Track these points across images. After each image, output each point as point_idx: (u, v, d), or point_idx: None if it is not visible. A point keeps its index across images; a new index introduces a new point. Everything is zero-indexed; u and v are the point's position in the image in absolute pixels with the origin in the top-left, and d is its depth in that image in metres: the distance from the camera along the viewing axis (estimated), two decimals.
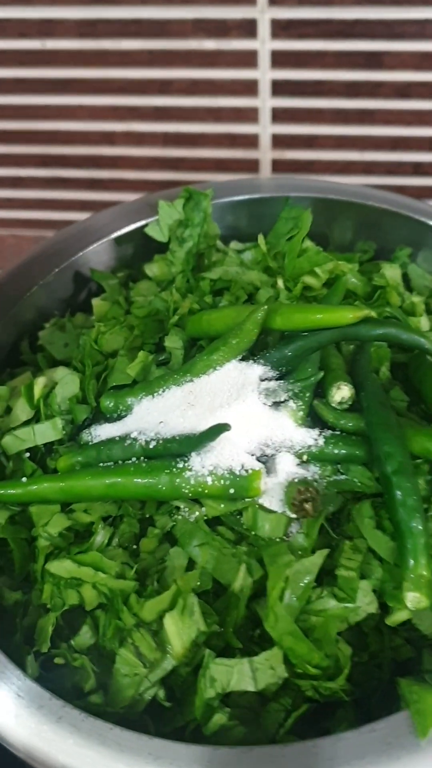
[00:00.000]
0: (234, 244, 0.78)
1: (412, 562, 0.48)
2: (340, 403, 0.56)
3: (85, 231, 0.76)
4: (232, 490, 0.52)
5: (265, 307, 0.53)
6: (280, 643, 0.47)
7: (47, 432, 0.59)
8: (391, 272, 0.65)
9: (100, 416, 0.61)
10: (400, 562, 0.49)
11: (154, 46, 1.05)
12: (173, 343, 0.62)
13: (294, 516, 0.52)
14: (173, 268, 0.73)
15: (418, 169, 1.13)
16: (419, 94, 1.07)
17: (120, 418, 0.59)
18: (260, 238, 0.67)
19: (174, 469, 0.53)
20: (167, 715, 0.48)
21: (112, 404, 0.59)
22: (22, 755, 0.44)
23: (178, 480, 0.52)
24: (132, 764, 0.42)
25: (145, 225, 0.75)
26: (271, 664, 0.46)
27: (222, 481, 0.52)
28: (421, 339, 0.54)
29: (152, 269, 0.74)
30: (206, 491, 0.52)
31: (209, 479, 0.52)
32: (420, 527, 0.48)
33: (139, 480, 0.53)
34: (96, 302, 0.71)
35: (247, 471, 0.52)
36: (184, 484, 0.52)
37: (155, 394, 0.58)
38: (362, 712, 0.49)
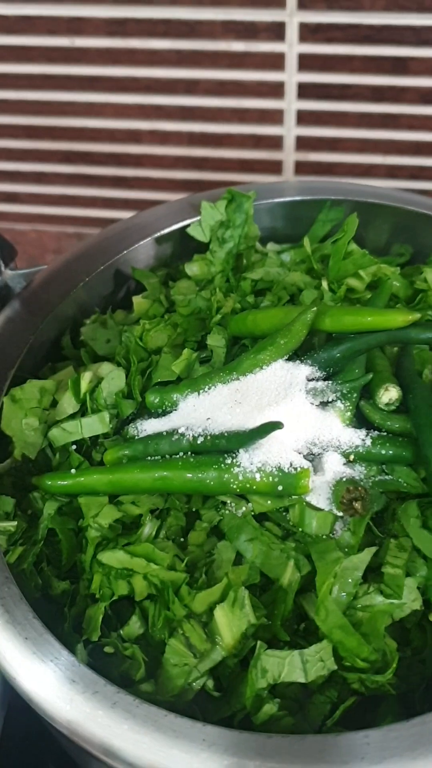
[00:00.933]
0: (271, 245, 0.79)
1: None
2: (387, 404, 0.57)
3: (130, 230, 0.77)
4: (280, 487, 0.53)
5: (315, 308, 0.54)
6: (330, 636, 0.48)
7: (95, 425, 0.59)
8: None
9: (144, 411, 0.62)
10: None
11: (183, 46, 1.06)
12: (216, 341, 0.63)
13: (341, 514, 0.53)
14: (213, 268, 0.74)
15: None
16: None
17: (165, 413, 0.60)
18: (305, 241, 0.68)
19: (222, 465, 0.54)
20: (215, 704, 0.49)
21: (157, 400, 0.60)
22: (78, 740, 0.44)
23: (226, 476, 0.53)
24: (187, 750, 0.42)
25: (187, 225, 0.76)
26: (321, 657, 0.47)
27: (270, 478, 0.53)
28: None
29: (192, 269, 0.74)
30: (254, 487, 0.53)
31: (257, 476, 0.53)
32: None
33: (188, 474, 0.54)
34: (137, 300, 0.71)
35: (295, 469, 0.53)
36: (232, 480, 0.53)
37: (201, 392, 0.59)
38: (405, 707, 0.50)
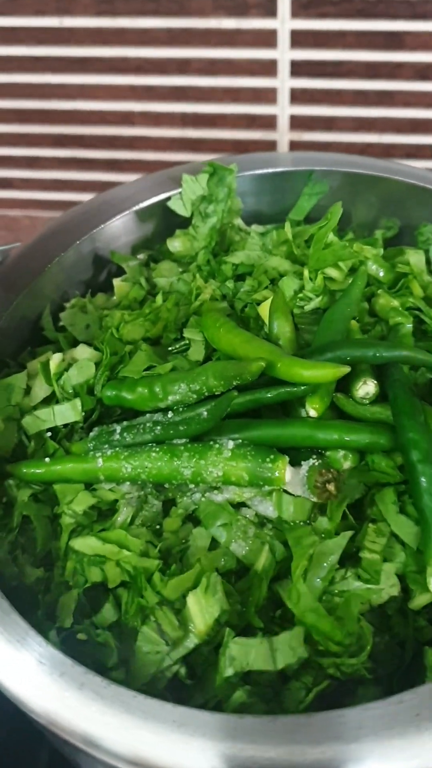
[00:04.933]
0: (255, 227, 0.77)
1: None
2: (363, 398, 0.56)
3: (108, 203, 0.75)
4: (257, 479, 0.52)
5: (262, 363, 0.52)
6: (303, 620, 0.48)
7: (67, 413, 0.59)
8: (415, 258, 0.64)
9: None
10: (423, 548, 0.49)
11: (173, 25, 1.04)
12: (193, 334, 0.62)
13: (316, 500, 0.52)
14: (196, 244, 0.72)
15: None
16: None
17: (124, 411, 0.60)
18: (287, 226, 0.67)
19: (198, 455, 0.53)
20: (188, 692, 0.49)
21: (113, 394, 0.59)
22: (44, 722, 0.44)
23: (202, 464, 0.53)
24: (156, 732, 0.42)
25: (168, 199, 0.75)
26: (291, 644, 0.47)
27: (246, 470, 0.52)
28: (429, 358, 0.56)
29: (174, 244, 0.73)
30: (232, 479, 0.52)
31: (233, 466, 0.52)
32: None
33: (162, 464, 0.53)
34: (117, 283, 0.70)
35: (272, 460, 0.52)
36: (207, 470, 0.53)
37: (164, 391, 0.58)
38: (384, 692, 0.49)
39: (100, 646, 0.50)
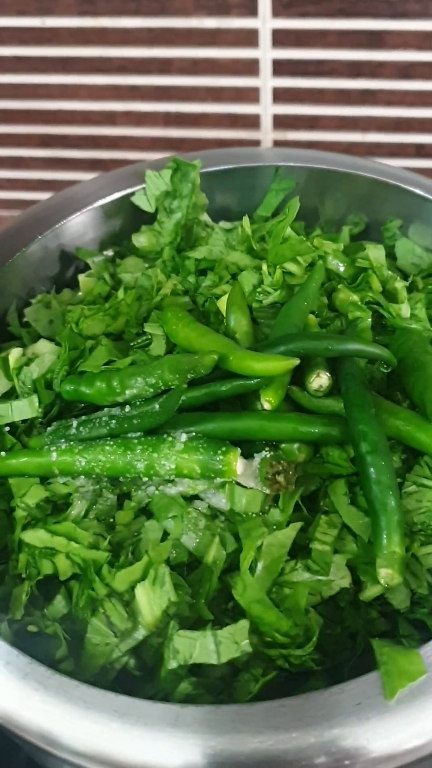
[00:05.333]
0: (223, 224, 0.77)
1: (385, 539, 0.48)
2: (317, 390, 0.55)
3: (69, 200, 0.75)
4: (208, 471, 0.52)
5: (215, 357, 0.53)
6: (249, 611, 0.48)
7: (24, 409, 0.59)
8: (375, 254, 0.64)
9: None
10: (373, 539, 0.49)
11: (155, 24, 1.05)
12: (154, 329, 0.62)
13: (268, 491, 0.52)
14: (161, 239, 0.72)
15: (420, 150, 1.12)
16: (421, 74, 1.05)
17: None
18: (245, 221, 0.67)
19: (151, 448, 0.53)
20: (137, 684, 0.49)
21: (71, 389, 0.59)
22: None
23: (155, 458, 0.53)
24: (97, 721, 0.42)
25: (132, 194, 0.75)
26: (235, 638, 0.46)
27: (198, 463, 0.52)
28: (379, 351, 0.56)
29: (140, 240, 0.73)
30: (184, 471, 0.52)
31: (186, 459, 0.52)
32: (393, 505, 0.48)
33: (116, 457, 0.53)
34: (82, 278, 0.71)
35: (223, 452, 0.52)
36: (162, 463, 0.53)
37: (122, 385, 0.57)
38: (334, 683, 0.49)
39: (49, 638, 0.50)
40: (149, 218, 0.75)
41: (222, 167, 0.77)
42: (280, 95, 1.09)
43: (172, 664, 0.46)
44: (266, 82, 1.08)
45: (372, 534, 0.49)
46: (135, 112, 1.13)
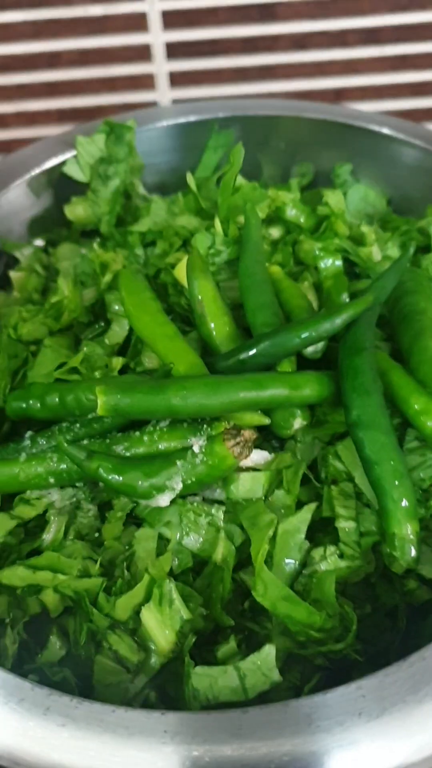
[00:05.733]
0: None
1: (395, 526, 0.44)
2: (313, 353, 0.51)
3: None
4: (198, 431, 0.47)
5: (170, 367, 0.48)
6: (275, 611, 0.42)
7: None
8: (334, 199, 0.60)
9: None
10: (384, 526, 0.45)
11: (38, 17, 0.98)
12: (114, 316, 0.55)
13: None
14: (97, 209, 0.66)
15: None
16: (317, 43, 1.04)
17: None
18: (188, 176, 0.61)
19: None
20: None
21: (23, 406, 0.51)
22: (5, 762, 0.36)
23: (136, 437, 0.47)
24: (146, 748, 0.35)
25: (63, 164, 0.68)
26: (262, 670, 0.40)
27: (186, 431, 0.47)
28: (345, 315, 0.49)
29: (74, 211, 0.66)
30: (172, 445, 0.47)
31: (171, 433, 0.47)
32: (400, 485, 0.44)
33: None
34: (14, 275, 0.63)
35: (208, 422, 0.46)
36: (144, 438, 0.47)
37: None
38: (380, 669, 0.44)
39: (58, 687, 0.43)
40: (80, 192, 0.68)
41: (153, 125, 0.71)
42: (177, 79, 1.05)
43: (196, 706, 0.39)
44: (161, 66, 1.04)
45: (383, 519, 0.45)
46: (26, 112, 1.06)
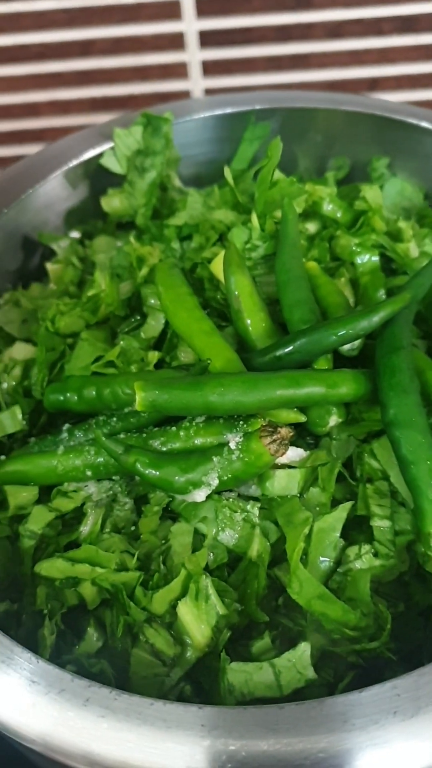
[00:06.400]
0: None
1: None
2: (350, 350, 0.51)
3: (33, 167, 0.67)
4: (235, 428, 0.47)
5: (208, 363, 0.48)
6: (310, 609, 0.42)
7: (6, 422, 0.52)
8: (372, 194, 0.59)
9: None
10: (419, 525, 0.44)
11: (71, 4, 0.98)
12: (150, 310, 0.55)
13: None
14: (134, 201, 0.66)
15: None
16: (352, 32, 1.02)
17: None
18: (226, 170, 0.61)
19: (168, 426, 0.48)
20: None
21: (62, 398, 0.52)
22: (43, 750, 0.37)
23: (173, 432, 0.48)
24: (184, 741, 0.35)
25: (100, 155, 0.68)
26: (297, 667, 0.41)
27: (223, 427, 0.47)
28: (382, 313, 0.49)
29: (111, 203, 0.66)
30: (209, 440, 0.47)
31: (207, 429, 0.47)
32: None
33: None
34: (51, 267, 0.63)
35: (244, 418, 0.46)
36: (180, 434, 0.47)
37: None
38: (413, 669, 0.44)
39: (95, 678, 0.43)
40: (117, 184, 0.68)
41: (191, 117, 0.71)
42: (210, 68, 1.04)
43: (231, 701, 0.40)
44: (194, 55, 1.03)
45: (417, 517, 0.44)
46: (59, 101, 1.06)
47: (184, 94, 1.06)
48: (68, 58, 1.02)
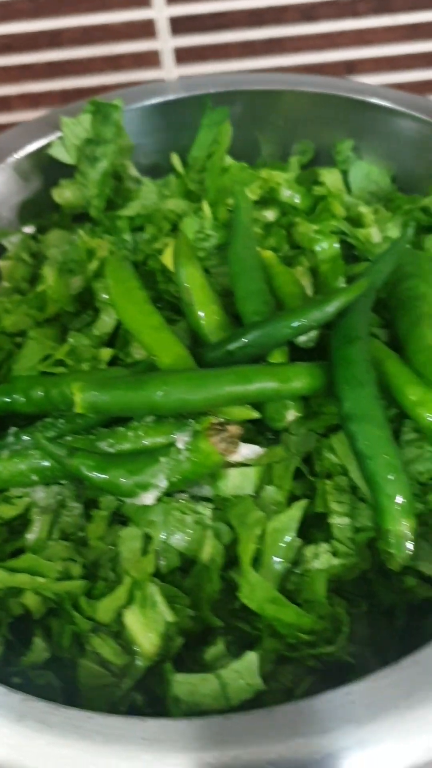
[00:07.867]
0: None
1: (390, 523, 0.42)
2: (306, 342, 0.49)
3: None
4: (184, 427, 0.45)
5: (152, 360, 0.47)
6: (262, 613, 0.40)
7: None
8: (331, 178, 0.57)
9: None
10: (380, 521, 0.43)
11: None
12: (102, 306, 0.53)
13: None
14: (86, 192, 0.63)
15: None
16: (327, 14, 1.00)
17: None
18: (174, 157, 0.59)
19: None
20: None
21: (8, 400, 0.50)
22: None
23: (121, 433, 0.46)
24: (125, 755, 0.34)
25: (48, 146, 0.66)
26: (244, 678, 0.39)
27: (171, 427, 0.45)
28: (337, 302, 0.47)
29: (63, 195, 0.64)
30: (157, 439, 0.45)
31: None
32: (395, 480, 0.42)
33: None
34: (1, 264, 0.61)
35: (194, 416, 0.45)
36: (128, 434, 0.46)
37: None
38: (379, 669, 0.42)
39: (42, 689, 0.42)
40: (70, 175, 0.66)
41: (139, 104, 0.68)
42: (183, 56, 1.02)
43: (178, 713, 0.38)
44: (166, 42, 1.01)
45: (376, 514, 0.43)
46: (30, 94, 1.04)
47: (158, 83, 1.04)
48: (37, 49, 1.00)
